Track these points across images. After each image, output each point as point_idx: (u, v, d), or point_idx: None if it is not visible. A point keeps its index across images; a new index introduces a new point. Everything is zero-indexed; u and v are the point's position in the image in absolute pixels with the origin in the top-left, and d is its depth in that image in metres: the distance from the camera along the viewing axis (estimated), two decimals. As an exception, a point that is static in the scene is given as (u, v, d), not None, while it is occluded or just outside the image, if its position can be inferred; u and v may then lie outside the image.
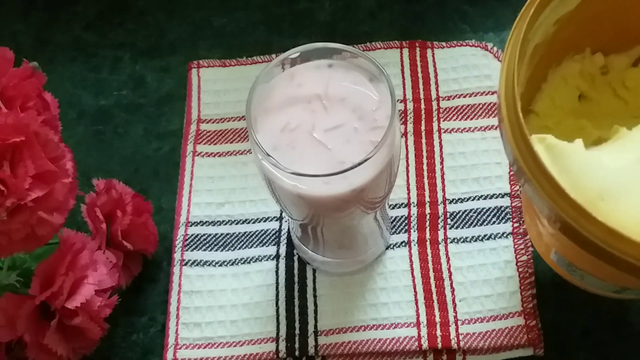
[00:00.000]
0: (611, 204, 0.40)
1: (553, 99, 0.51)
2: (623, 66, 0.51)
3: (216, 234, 0.59)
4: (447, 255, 0.57)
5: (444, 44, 0.65)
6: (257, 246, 0.59)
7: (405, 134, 0.62)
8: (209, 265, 0.58)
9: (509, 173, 0.59)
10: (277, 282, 0.57)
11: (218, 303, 0.57)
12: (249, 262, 0.58)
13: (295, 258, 0.58)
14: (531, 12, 0.43)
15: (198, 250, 0.59)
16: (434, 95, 0.63)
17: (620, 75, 0.51)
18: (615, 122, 0.47)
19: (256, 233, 0.59)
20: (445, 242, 0.58)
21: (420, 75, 0.64)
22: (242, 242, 0.59)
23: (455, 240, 0.58)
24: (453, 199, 0.59)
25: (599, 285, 0.49)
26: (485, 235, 0.57)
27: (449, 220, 0.58)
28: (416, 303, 0.55)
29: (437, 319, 0.55)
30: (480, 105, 0.62)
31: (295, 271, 0.58)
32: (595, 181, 0.41)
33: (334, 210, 0.49)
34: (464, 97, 0.63)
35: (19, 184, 0.43)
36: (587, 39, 0.50)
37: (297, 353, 0.55)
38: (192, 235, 0.59)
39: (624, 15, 0.48)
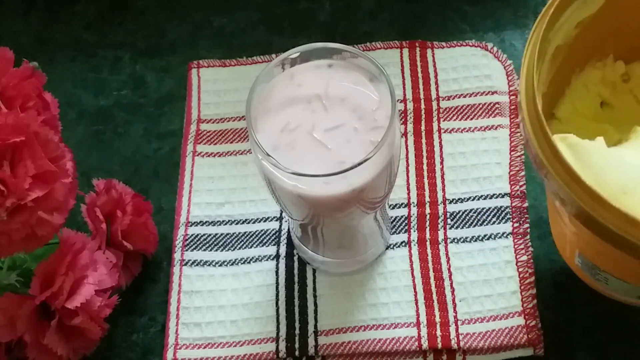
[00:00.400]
0: (634, 198, 0.40)
1: (575, 105, 0.51)
2: None
3: (216, 234, 0.59)
4: (447, 255, 0.57)
5: (444, 44, 0.65)
6: (257, 246, 0.59)
7: (405, 134, 0.62)
8: (209, 265, 0.58)
9: (509, 173, 0.59)
10: (277, 282, 0.57)
11: (218, 303, 0.57)
12: (249, 262, 0.58)
13: (295, 258, 0.58)
14: (551, 12, 0.44)
15: (198, 250, 0.59)
16: (434, 95, 0.63)
17: None
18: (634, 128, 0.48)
19: (256, 233, 0.59)
20: (445, 242, 0.58)
21: (420, 75, 0.64)
22: (242, 242, 0.59)
23: (455, 240, 0.58)
24: (453, 199, 0.59)
25: (623, 289, 0.49)
26: (485, 235, 0.57)
27: (449, 220, 0.58)
28: (416, 303, 0.55)
29: (437, 319, 0.55)
30: (480, 105, 0.62)
31: (295, 271, 0.58)
32: (618, 177, 0.42)
33: (334, 210, 0.49)
34: (464, 97, 0.63)
35: (19, 184, 0.43)
36: (610, 45, 0.50)
37: (297, 353, 0.55)
38: (192, 235, 0.59)
39: None
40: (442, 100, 0.63)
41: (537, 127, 0.42)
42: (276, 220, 0.60)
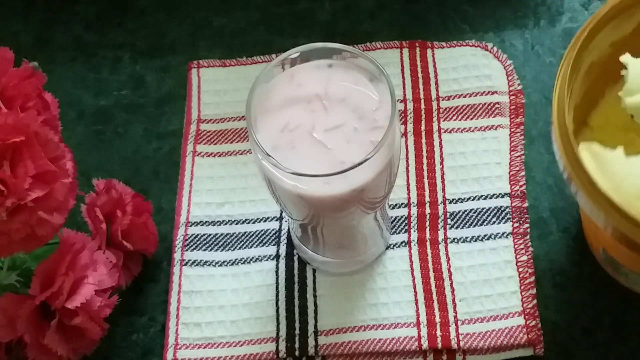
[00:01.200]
0: None
1: (607, 115, 0.53)
2: None
3: (216, 234, 0.59)
4: (447, 255, 0.57)
5: (444, 44, 0.65)
6: (257, 246, 0.59)
7: (405, 134, 0.62)
8: (209, 265, 0.58)
9: (509, 173, 0.59)
10: (277, 282, 0.57)
11: (218, 303, 0.57)
12: (249, 262, 0.58)
13: (295, 258, 0.58)
14: (584, 35, 0.46)
15: (198, 250, 0.59)
16: (434, 95, 0.63)
17: None
18: None
19: (256, 233, 0.59)
20: (445, 242, 0.58)
21: (420, 75, 0.64)
22: (242, 242, 0.59)
23: (455, 240, 0.58)
24: (453, 199, 0.59)
25: None
26: (485, 235, 0.57)
27: (449, 220, 0.58)
28: (416, 303, 0.55)
29: (437, 319, 0.55)
30: (480, 105, 0.62)
31: (295, 271, 0.58)
32: (633, 183, 0.45)
33: (334, 210, 0.49)
34: (464, 97, 0.63)
35: (19, 184, 0.43)
36: None
37: (297, 353, 0.55)
38: (192, 235, 0.59)
39: None
40: (442, 100, 0.63)
41: (565, 139, 0.44)
42: (276, 220, 0.60)
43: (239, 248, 0.59)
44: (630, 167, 0.46)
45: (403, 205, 0.59)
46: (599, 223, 0.43)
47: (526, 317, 0.54)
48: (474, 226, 0.58)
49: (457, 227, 0.58)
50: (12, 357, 0.52)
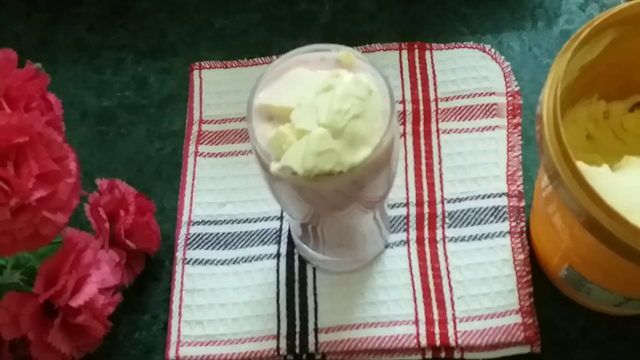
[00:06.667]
0: (637, 217, 0.43)
1: (567, 137, 0.54)
2: (621, 111, 0.56)
3: (218, 233, 0.60)
4: (445, 253, 0.58)
5: (442, 45, 0.66)
6: (258, 245, 0.59)
7: (404, 135, 0.62)
8: (211, 263, 0.59)
9: (507, 173, 0.60)
10: (277, 281, 0.58)
11: (220, 301, 0.57)
12: (250, 261, 0.59)
13: (296, 257, 0.59)
14: (569, 55, 0.47)
15: (200, 249, 0.59)
16: (432, 97, 0.63)
17: (619, 119, 0.56)
18: (616, 159, 0.52)
19: (257, 232, 0.60)
20: (444, 241, 0.58)
21: (419, 76, 0.64)
22: (244, 241, 0.59)
23: (454, 239, 0.58)
24: (451, 199, 0.59)
25: (603, 299, 0.52)
26: (483, 234, 0.58)
27: (447, 220, 0.59)
28: (415, 301, 0.56)
29: (436, 317, 0.55)
30: (478, 106, 0.63)
31: (296, 270, 0.58)
32: (624, 198, 0.45)
33: (334, 209, 0.49)
34: (462, 98, 0.63)
35: (23, 184, 0.44)
36: (597, 86, 0.55)
37: (297, 350, 0.55)
38: (194, 234, 0.60)
39: (627, 68, 0.53)
40: (441, 101, 0.63)
41: (555, 141, 0.45)
42: (277, 219, 0.60)
43: (240, 247, 0.59)
44: (617, 183, 0.47)
45: (402, 205, 0.60)
46: (574, 210, 0.43)
47: (523, 314, 0.55)
48: (472, 225, 0.58)
49: (455, 226, 0.58)
50: (16, 355, 0.52)
